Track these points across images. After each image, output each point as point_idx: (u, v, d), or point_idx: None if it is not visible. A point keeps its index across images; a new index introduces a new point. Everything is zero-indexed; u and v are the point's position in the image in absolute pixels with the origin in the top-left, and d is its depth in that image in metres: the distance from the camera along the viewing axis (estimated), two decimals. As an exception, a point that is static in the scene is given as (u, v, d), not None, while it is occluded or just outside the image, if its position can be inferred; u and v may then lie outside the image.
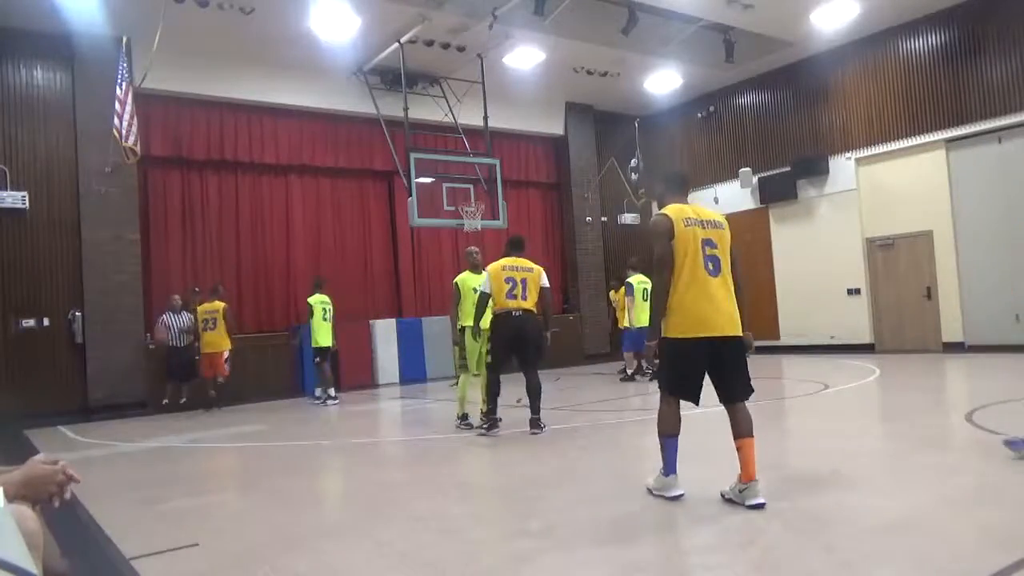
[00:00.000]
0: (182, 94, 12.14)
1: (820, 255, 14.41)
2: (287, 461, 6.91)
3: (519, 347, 6.71)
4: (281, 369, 12.65)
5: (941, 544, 3.14)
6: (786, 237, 15.19)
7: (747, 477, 3.89)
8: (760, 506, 3.80)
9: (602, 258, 16.76)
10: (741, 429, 4.04)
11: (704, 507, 4.09)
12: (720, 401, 4.22)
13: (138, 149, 10.30)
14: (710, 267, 4.07)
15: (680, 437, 4.23)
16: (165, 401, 10.84)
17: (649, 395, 9.79)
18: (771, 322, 15.26)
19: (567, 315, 16.03)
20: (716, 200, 16.35)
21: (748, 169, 15.38)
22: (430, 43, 12.44)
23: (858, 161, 13.95)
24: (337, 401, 10.87)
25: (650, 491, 4.28)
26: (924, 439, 5.63)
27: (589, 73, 14.56)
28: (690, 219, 4.08)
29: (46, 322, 10.83)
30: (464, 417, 7.36)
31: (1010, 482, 4.10)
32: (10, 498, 1.93)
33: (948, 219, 12.67)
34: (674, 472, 4.21)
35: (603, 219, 16.92)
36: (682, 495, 4.15)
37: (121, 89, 10.03)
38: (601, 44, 13.06)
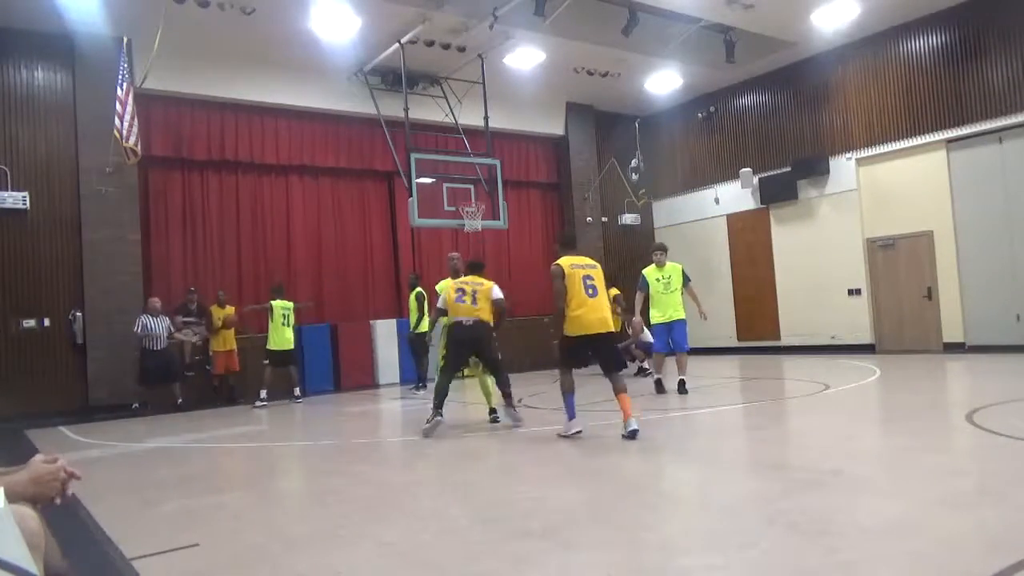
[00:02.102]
0: (183, 94, 12.15)
1: (821, 255, 14.40)
2: (287, 461, 6.92)
3: (472, 351, 7.55)
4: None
5: (941, 545, 3.14)
6: (786, 237, 15.19)
7: (625, 416, 6.16)
8: (634, 432, 6.01)
9: (603, 259, 16.72)
10: (618, 387, 6.31)
11: (704, 508, 4.09)
12: (603, 372, 6.56)
13: (139, 149, 10.33)
14: (590, 291, 6.39)
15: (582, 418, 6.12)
16: (135, 406, 10.84)
17: (648, 396, 9.80)
18: (772, 322, 15.26)
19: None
20: (717, 200, 16.38)
21: (748, 169, 15.38)
22: (430, 43, 12.45)
23: (859, 161, 13.95)
24: (265, 404, 10.79)
25: (560, 435, 6.44)
26: (925, 440, 5.63)
27: (590, 73, 14.57)
28: (575, 265, 6.48)
29: (47, 322, 10.84)
30: (493, 412, 7.90)
31: (1010, 482, 4.10)
32: (15, 499, 1.94)
33: (949, 219, 12.67)
34: (574, 417, 6.45)
35: (603, 219, 16.92)
36: (580, 432, 6.35)
37: (122, 89, 10.05)
38: (601, 44, 13.07)
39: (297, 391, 11.44)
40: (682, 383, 9.15)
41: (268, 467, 6.73)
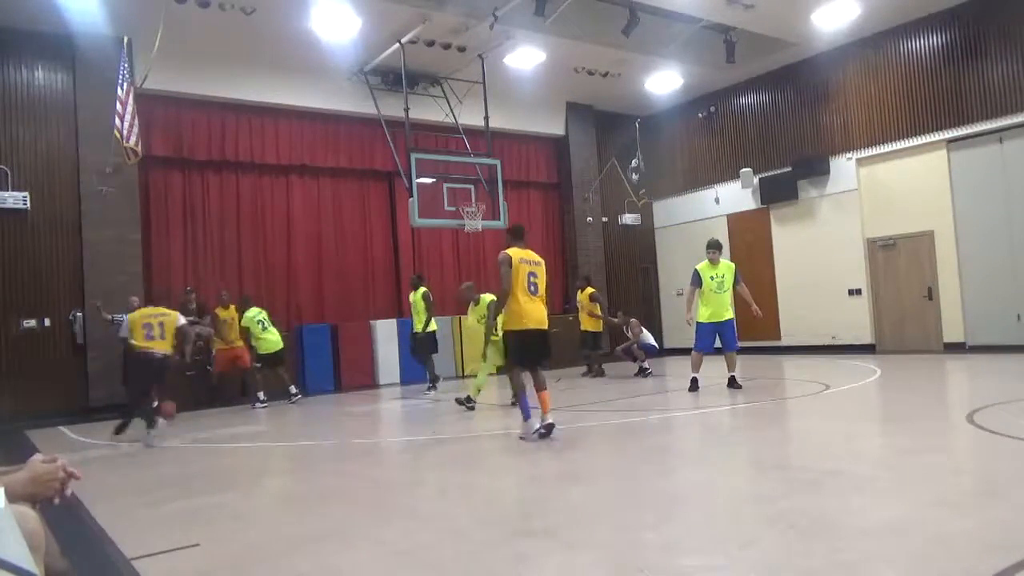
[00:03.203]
0: (183, 94, 12.15)
1: (821, 255, 14.40)
2: (287, 461, 6.92)
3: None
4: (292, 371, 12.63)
5: (942, 545, 3.14)
6: (787, 237, 15.19)
7: (544, 410, 6.33)
8: (550, 426, 6.26)
9: (603, 258, 16.76)
10: (539, 385, 6.44)
11: (704, 508, 4.09)
12: (527, 367, 6.53)
13: (139, 149, 10.32)
14: (532, 288, 6.41)
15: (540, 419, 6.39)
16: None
17: (648, 395, 9.81)
18: (772, 322, 15.25)
19: (567, 315, 16.00)
20: (717, 200, 16.39)
21: (749, 169, 15.38)
22: (431, 43, 12.45)
23: (859, 161, 13.95)
24: (266, 405, 10.77)
25: (521, 438, 6.34)
26: (925, 440, 5.63)
27: (590, 73, 14.56)
28: (524, 259, 6.44)
29: (47, 322, 10.83)
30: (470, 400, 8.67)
31: (1010, 482, 4.09)
32: (15, 498, 1.94)
33: (949, 219, 12.67)
34: (530, 417, 6.35)
35: (604, 219, 16.92)
36: (540, 430, 6.26)
37: (122, 89, 10.04)
38: (602, 44, 13.07)
39: (293, 388, 11.26)
40: (733, 379, 9.13)
41: (268, 467, 6.73)
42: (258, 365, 11.09)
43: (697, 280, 9.21)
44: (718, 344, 9.31)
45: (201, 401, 11.29)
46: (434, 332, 11.43)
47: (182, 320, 8.65)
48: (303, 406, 11.05)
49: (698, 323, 9.20)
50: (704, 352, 9.24)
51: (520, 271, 6.34)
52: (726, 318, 9.16)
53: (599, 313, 12.52)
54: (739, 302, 9.52)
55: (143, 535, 4.14)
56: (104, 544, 3.97)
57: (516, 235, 6.69)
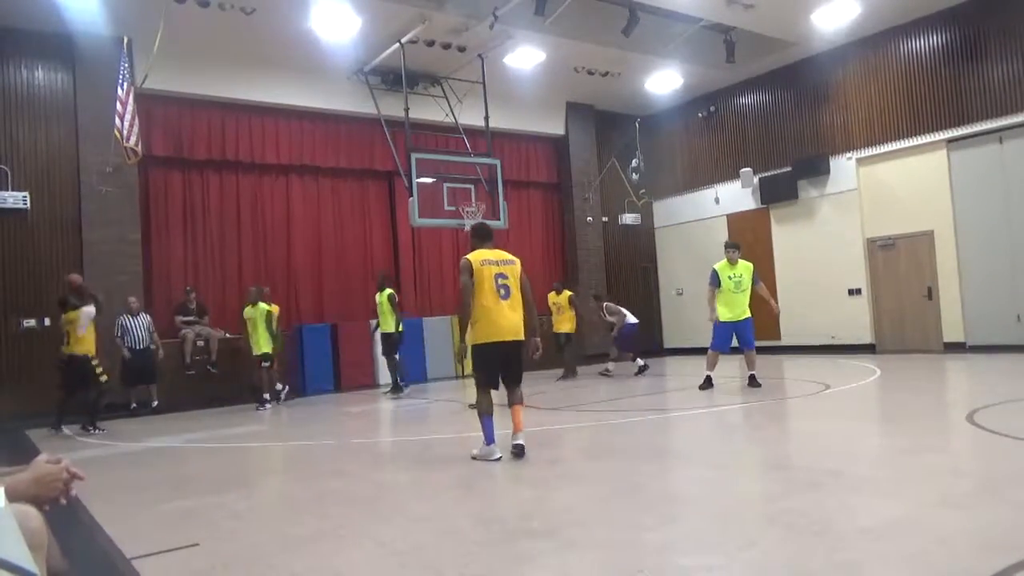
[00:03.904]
0: (183, 94, 12.15)
1: (821, 255, 14.40)
2: (287, 461, 6.92)
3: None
4: (281, 369, 12.62)
5: (942, 545, 3.14)
6: (787, 237, 15.19)
7: (516, 429, 5.63)
8: (519, 448, 5.53)
9: (603, 258, 16.76)
10: (514, 400, 5.72)
11: (704, 508, 4.09)
12: (502, 382, 5.76)
13: (139, 149, 10.34)
14: (501, 292, 5.63)
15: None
16: (134, 405, 10.77)
17: (651, 395, 9.82)
18: (772, 322, 15.21)
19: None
20: (717, 200, 16.38)
21: (749, 169, 15.38)
22: (431, 43, 12.45)
23: (859, 161, 13.94)
24: (268, 407, 10.69)
25: (474, 457, 5.64)
26: (925, 440, 5.63)
27: (590, 73, 14.56)
28: (487, 260, 5.69)
29: (47, 322, 10.82)
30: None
31: (1010, 482, 4.10)
32: (18, 499, 1.94)
33: (949, 219, 12.67)
34: (493, 442, 5.60)
35: (604, 219, 16.92)
36: (500, 458, 5.52)
37: (122, 89, 10.05)
38: (602, 44, 13.07)
39: (279, 385, 11.38)
40: (753, 378, 9.11)
41: (268, 467, 6.73)
42: (267, 364, 10.90)
43: (716, 280, 9.13)
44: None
45: (197, 402, 11.27)
46: (402, 333, 11.62)
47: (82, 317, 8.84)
48: (303, 406, 11.05)
49: (719, 322, 9.15)
50: (720, 351, 9.23)
51: (484, 275, 5.59)
52: (744, 317, 9.14)
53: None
54: (756, 300, 9.48)
55: (143, 535, 4.14)
56: (104, 544, 3.97)
57: (479, 235, 5.94)
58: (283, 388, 11.52)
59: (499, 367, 5.66)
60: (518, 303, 5.72)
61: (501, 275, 5.67)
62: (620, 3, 11.84)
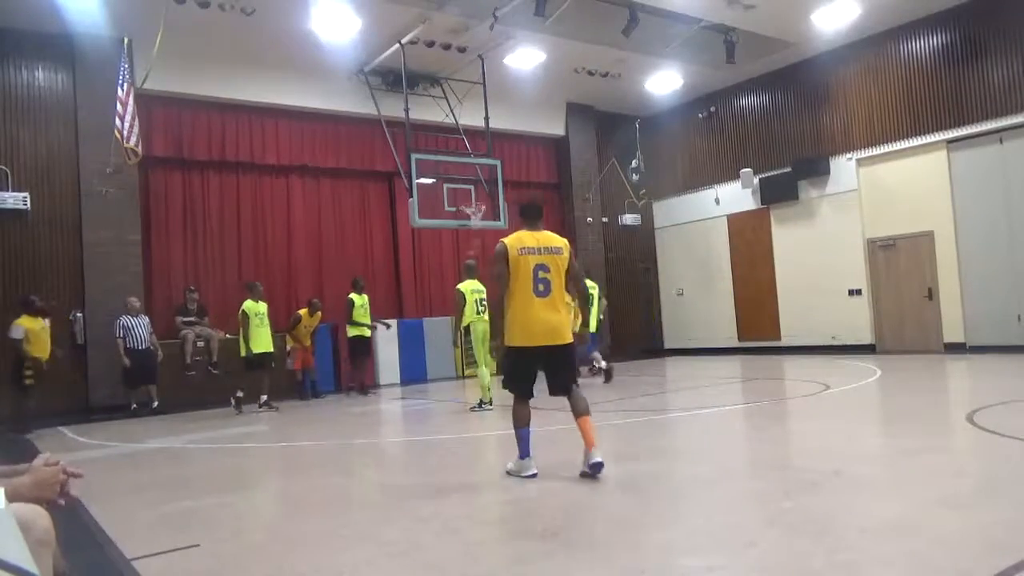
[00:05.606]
0: (183, 95, 12.15)
1: (821, 256, 14.41)
2: (288, 462, 6.91)
3: None
4: (281, 369, 12.62)
5: (942, 545, 3.13)
6: (787, 238, 15.19)
7: (588, 446, 4.68)
8: (599, 464, 4.59)
9: (603, 258, 16.76)
10: (579, 410, 4.81)
11: (704, 508, 4.09)
12: (551, 393, 5.06)
13: (139, 150, 10.33)
14: (540, 287, 4.75)
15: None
16: (134, 406, 10.72)
17: (651, 395, 9.81)
18: (772, 322, 15.26)
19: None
20: (717, 201, 16.39)
21: (749, 170, 15.38)
22: (431, 44, 12.46)
23: (859, 162, 13.95)
24: (270, 408, 10.47)
25: (509, 472, 4.95)
26: (925, 440, 5.62)
27: (590, 74, 14.57)
28: (526, 248, 4.77)
29: (47, 322, 10.81)
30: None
31: (1010, 482, 4.10)
32: (19, 501, 1.94)
33: (949, 219, 12.67)
34: (528, 455, 4.90)
35: (604, 219, 16.93)
36: (535, 474, 4.84)
37: (122, 90, 10.05)
38: (602, 45, 13.08)
39: (264, 398, 10.47)
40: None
41: (269, 467, 6.73)
42: (274, 366, 10.82)
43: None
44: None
45: (197, 403, 11.26)
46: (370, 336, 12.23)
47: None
48: (304, 407, 11.05)
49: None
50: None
51: (520, 265, 4.71)
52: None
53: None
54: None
55: (143, 535, 4.14)
56: (104, 544, 3.96)
57: (528, 215, 4.94)
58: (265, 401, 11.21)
59: (531, 375, 4.89)
60: (559, 301, 4.82)
61: (542, 266, 4.75)
62: (620, 3, 11.84)
